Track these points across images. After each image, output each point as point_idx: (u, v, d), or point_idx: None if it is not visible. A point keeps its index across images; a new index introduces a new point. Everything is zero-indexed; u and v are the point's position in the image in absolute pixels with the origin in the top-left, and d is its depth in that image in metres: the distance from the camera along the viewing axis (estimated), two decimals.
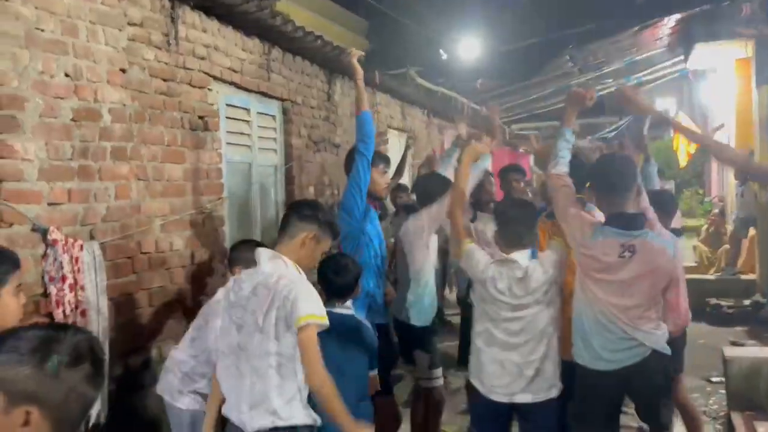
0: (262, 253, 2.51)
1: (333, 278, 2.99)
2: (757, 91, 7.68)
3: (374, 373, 3.05)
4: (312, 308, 2.35)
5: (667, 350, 2.94)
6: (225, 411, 2.50)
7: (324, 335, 2.50)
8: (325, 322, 2.38)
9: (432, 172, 4.89)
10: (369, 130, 3.59)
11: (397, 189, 6.23)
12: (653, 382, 2.92)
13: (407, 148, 6.85)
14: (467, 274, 3.25)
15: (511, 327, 2.97)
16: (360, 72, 3.77)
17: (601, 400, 2.95)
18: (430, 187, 3.90)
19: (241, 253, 3.21)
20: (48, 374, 1.18)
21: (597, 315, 2.89)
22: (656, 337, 2.90)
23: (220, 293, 3.06)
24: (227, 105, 4.64)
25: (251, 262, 3.09)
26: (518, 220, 3.03)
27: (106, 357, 1.30)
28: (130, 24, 3.61)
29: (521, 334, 2.96)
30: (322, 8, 14.21)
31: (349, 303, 3.05)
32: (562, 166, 3.07)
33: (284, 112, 5.46)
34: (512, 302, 2.96)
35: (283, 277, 2.39)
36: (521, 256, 2.97)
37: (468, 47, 10.28)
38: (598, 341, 2.90)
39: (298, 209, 2.60)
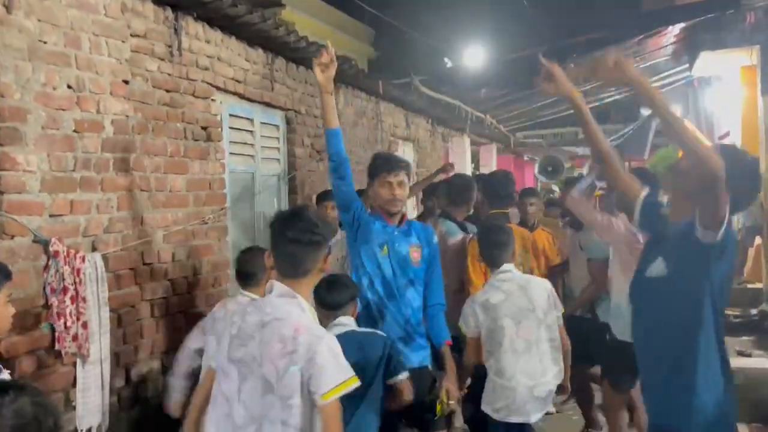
0: (276, 288, 2.13)
1: (325, 295, 2.88)
2: (762, 99, 7.64)
3: (396, 380, 2.87)
4: (341, 376, 2.01)
5: None
6: None
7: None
8: (354, 383, 2.06)
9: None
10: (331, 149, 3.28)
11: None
12: None
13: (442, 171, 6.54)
14: None
15: None
16: (329, 87, 3.43)
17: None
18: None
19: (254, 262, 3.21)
20: None
21: None
22: None
23: (220, 311, 2.82)
24: (230, 115, 4.65)
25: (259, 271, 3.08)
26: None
27: (55, 417, 1.03)
28: (133, 35, 3.62)
29: None
30: (327, 17, 14.29)
31: (344, 319, 2.91)
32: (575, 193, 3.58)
33: (288, 122, 5.47)
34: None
35: (302, 330, 2.02)
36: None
37: (473, 56, 10.28)
38: None
39: (306, 240, 2.12)
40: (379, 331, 3.03)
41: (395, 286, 3.21)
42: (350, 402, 2.42)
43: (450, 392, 3.21)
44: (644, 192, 2.60)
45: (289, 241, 2.12)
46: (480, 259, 3.63)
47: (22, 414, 1.01)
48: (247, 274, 3.30)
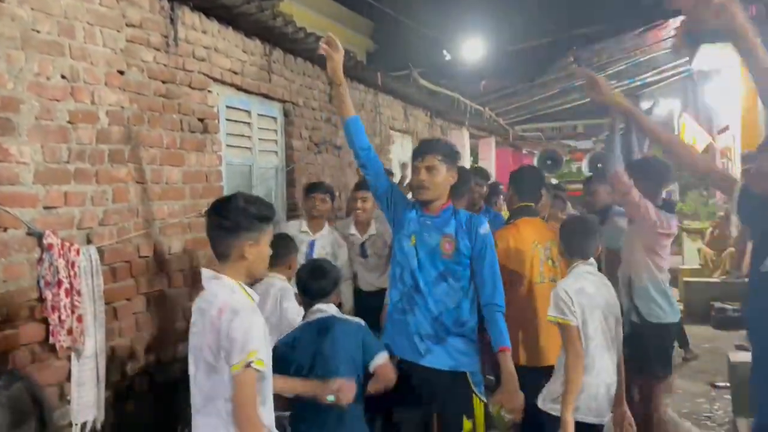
0: (203, 273, 2.25)
1: (307, 282, 2.94)
2: None
3: (379, 359, 2.81)
4: (247, 349, 2.08)
5: None
6: None
7: (309, 342, 2.76)
8: (263, 367, 2.13)
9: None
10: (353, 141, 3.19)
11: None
12: None
13: None
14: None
15: None
16: (336, 78, 3.33)
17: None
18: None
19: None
20: None
21: (663, 277, 3.83)
22: None
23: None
24: (227, 107, 4.60)
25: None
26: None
27: (48, 402, 0.99)
28: (128, 25, 3.57)
29: None
30: (326, 9, 14.20)
31: (323, 305, 2.90)
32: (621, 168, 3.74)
33: (285, 113, 5.43)
34: None
35: (225, 309, 2.12)
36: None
37: (472, 48, 10.25)
38: (668, 297, 3.83)
39: (217, 224, 2.22)
40: (356, 319, 3.04)
41: (422, 278, 2.98)
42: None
43: (505, 404, 2.98)
44: (739, 184, 2.41)
45: (208, 226, 2.26)
46: (562, 251, 3.26)
47: (16, 399, 1.00)
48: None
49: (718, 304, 7.93)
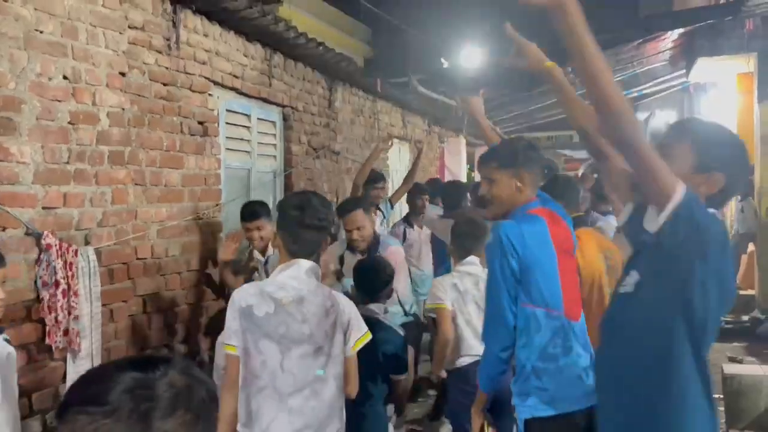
0: (302, 264, 2.33)
1: (370, 279, 3.08)
2: (758, 107, 7.67)
3: (400, 377, 2.96)
4: (361, 331, 2.42)
5: None
6: (244, 426, 2.26)
7: None
8: (368, 337, 2.45)
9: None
10: None
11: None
12: None
13: (420, 152, 6.42)
14: None
15: None
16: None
17: None
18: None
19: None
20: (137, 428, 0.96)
21: None
22: None
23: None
24: (227, 110, 4.60)
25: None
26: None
27: (207, 385, 0.99)
28: (131, 27, 3.57)
29: None
30: (324, 14, 14.23)
31: (375, 306, 3.02)
32: None
33: (285, 118, 5.43)
34: None
35: (335, 296, 2.38)
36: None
37: (470, 56, 10.27)
38: None
39: (315, 226, 2.36)
40: (398, 328, 3.09)
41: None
42: (365, 392, 2.72)
43: None
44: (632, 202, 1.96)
45: (307, 227, 2.33)
46: (451, 250, 3.55)
47: (174, 386, 0.99)
48: None
49: None
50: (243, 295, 2.29)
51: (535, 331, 2.35)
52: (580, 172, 7.47)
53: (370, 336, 2.42)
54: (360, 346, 2.38)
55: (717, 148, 1.82)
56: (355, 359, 2.39)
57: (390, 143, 5.64)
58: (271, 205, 5.22)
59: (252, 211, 3.89)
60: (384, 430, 2.98)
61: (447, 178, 8.54)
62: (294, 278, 2.30)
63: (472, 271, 3.38)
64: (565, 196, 3.30)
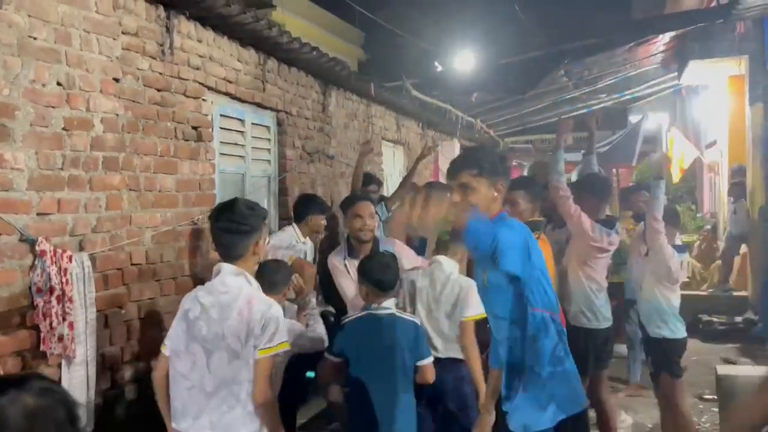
0: (225, 268, 2.48)
1: (382, 275, 3.11)
2: (750, 109, 7.72)
3: (425, 362, 3.09)
4: (278, 339, 2.40)
5: None
6: (176, 421, 2.51)
7: (364, 339, 3.01)
8: (285, 347, 2.45)
9: None
10: None
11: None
12: None
13: (422, 156, 6.43)
14: None
15: None
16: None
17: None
18: None
19: None
20: None
21: (594, 287, 4.00)
22: None
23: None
24: (221, 115, 4.61)
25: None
26: None
27: (68, 405, 0.97)
28: (124, 33, 3.57)
29: None
30: (318, 18, 14.25)
31: (388, 302, 3.12)
32: (562, 180, 3.94)
33: (279, 123, 5.44)
34: None
35: (254, 301, 2.39)
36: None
37: (464, 60, 10.30)
38: (594, 306, 3.98)
39: (233, 229, 2.47)
40: (413, 317, 3.21)
41: None
42: (387, 381, 2.95)
43: None
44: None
45: (222, 230, 2.49)
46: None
47: (27, 409, 0.97)
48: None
49: (705, 317, 7.99)
50: (186, 299, 2.54)
51: (544, 336, 2.35)
52: (573, 176, 7.51)
53: (285, 347, 2.41)
54: (268, 354, 2.35)
55: None
56: (264, 364, 2.36)
57: (370, 147, 5.69)
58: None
59: None
60: (413, 419, 3.08)
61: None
62: (221, 282, 2.44)
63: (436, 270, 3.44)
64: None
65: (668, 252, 4.01)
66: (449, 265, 3.43)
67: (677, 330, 4.11)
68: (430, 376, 3.10)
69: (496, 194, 2.45)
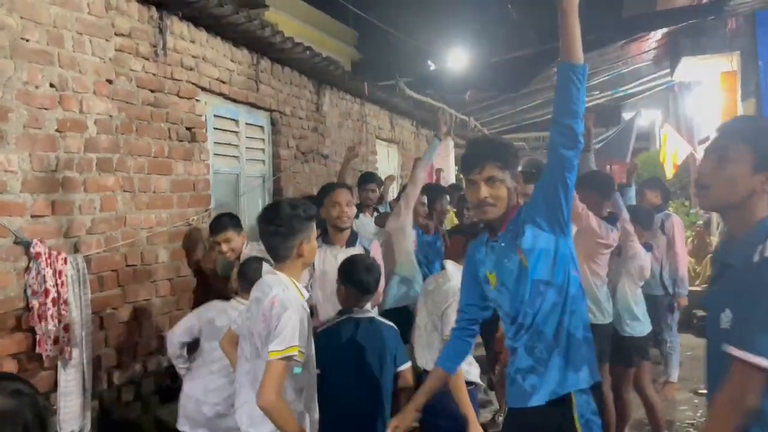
0: (264, 268, 2.55)
1: (364, 277, 2.97)
2: (742, 105, 7.75)
3: (404, 367, 2.99)
4: (289, 343, 2.31)
5: None
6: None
7: (345, 344, 2.87)
8: (303, 359, 2.36)
9: None
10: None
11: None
12: None
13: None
14: None
15: None
16: None
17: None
18: None
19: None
20: None
21: (599, 283, 3.98)
22: None
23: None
24: (215, 116, 4.61)
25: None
26: None
27: (38, 409, 0.97)
28: (117, 34, 3.57)
29: None
30: (311, 18, 14.24)
31: (369, 306, 3.05)
32: None
33: (273, 122, 5.44)
34: None
35: (276, 303, 2.34)
36: None
37: (457, 58, 10.31)
38: (599, 302, 3.96)
39: (273, 232, 2.43)
40: (390, 323, 3.09)
41: None
42: (367, 383, 2.85)
43: None
44: None
45: (262, 232, 2.48)
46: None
47: (16, 413, 0.98)
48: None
49: (699, 312, 8.02)
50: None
51: (581, 300, 2.32)
52: None
53: (294, 352, 2.31)
54: (276, 357, 2.27)
55: None
56: (272, 368, 2.27)
57: (355, 153, 5.59)
58: (260, 210, 5.24)
59: (218, 224, 3.82)
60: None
61: (440, 180, 8.52)
62: (262, 281, 2.48)
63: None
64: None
65: (640, 252, 4.22)
66: (453, 273, 3.10)
67: (646, 327, 4.29)
68: (411, 378, 3.00)
69: (517, 186, 2.37)
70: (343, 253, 3.38)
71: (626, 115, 14.02)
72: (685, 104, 12.40)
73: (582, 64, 2.17)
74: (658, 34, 8.21)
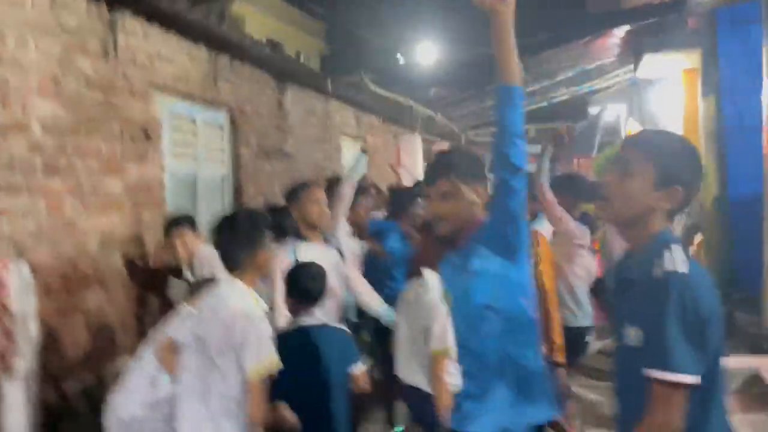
0: (220, 275, 2.49)
1: (309, 286, 2.89)
2: (703, 101, 7.85)
3: (356, 369, 2.90)
4: (264, 355, 2.28)
5: None
6: None
7: (296, 352, 2.72)
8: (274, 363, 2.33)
9: None
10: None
11: None
12: None
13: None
14: None
15: None
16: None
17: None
18: None
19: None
20: None
21: (578, 284, 4.01)
22: None
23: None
24: (171, 115, 4.48)
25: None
26: None
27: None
28: (63, 32, 3.43)
29: None
30: (279, 12, 14.04)
31: (319, 312, 2.93)
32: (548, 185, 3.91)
33: (232, 121, 5.32)
34: None
35: (238, 315, 2.27)
36: None
37: (424, 54, 10.26)
38: (580, 303, 4.00)
39: (231, 240, 2.40)
40: (341, 326, 3.05)
41: None
42: (323, 388, 2.78)
43: None
44: None
45: (219, 240, 2.44)
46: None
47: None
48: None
49: None
50: None
51: (533, 331, 2.30)
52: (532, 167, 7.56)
53: (273, 362, 2.28)
54: (259, 373, 2.24)
55: (676, 162, 1.72)
56: (257, 386, 2.25)
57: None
58: (219, 212, 5.12)
59: (172, 223, 3.76)
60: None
61: (404, 176, 8.43)
62: (217, 289, 2.43)
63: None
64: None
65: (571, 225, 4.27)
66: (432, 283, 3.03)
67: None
68: (364, 382, 2.93)
69: (477, 200, 2.25)
70: (318, 251, 3.32)
71: (592, 110, 14.14)
72: (649, 100, 12.56)
73: (518, 87, 2.10)
74: (621, 31, 8.27)
